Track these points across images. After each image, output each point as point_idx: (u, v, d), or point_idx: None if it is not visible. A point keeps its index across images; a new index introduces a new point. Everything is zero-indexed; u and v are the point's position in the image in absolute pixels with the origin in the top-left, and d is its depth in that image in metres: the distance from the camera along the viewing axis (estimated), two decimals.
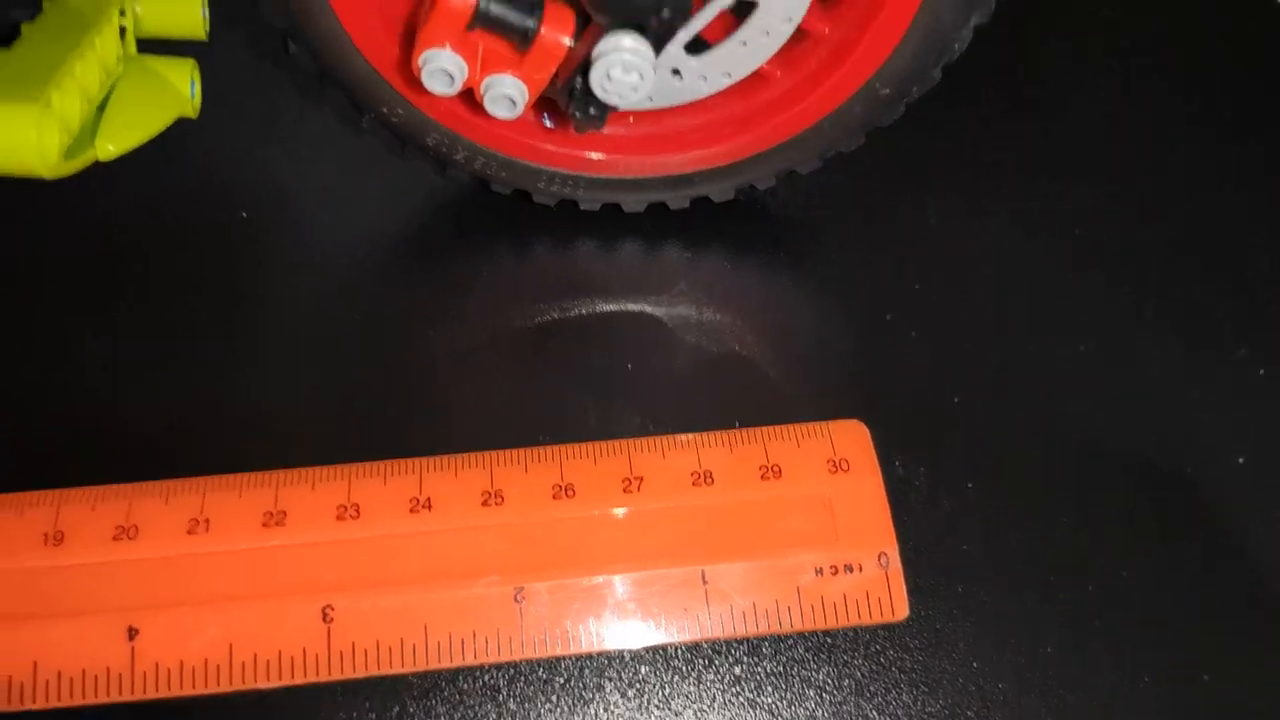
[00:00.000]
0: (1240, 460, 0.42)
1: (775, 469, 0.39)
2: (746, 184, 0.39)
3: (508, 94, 0.33)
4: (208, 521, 0.37)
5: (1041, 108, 0.51)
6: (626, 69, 0.30)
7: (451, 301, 0.44)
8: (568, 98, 0.32)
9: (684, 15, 0.30)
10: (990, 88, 0.50)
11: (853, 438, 0.39)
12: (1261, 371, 0.44)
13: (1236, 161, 0.51)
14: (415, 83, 0.34)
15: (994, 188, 0.48)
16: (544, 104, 0.37)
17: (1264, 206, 0.50)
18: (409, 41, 0.33)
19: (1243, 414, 0.43)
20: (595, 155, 0.38)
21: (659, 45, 0.30)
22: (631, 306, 0.45)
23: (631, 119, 0.38)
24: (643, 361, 0.43)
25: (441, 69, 0.32)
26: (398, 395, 0.42)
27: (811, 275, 0.45)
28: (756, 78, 0.36)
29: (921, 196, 0.47)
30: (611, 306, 0.45)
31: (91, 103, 0.30)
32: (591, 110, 0.32)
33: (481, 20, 0.31)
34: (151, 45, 0.39)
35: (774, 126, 0.38)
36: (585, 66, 0.32)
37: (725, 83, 0.35)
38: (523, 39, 0.33)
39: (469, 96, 0.34)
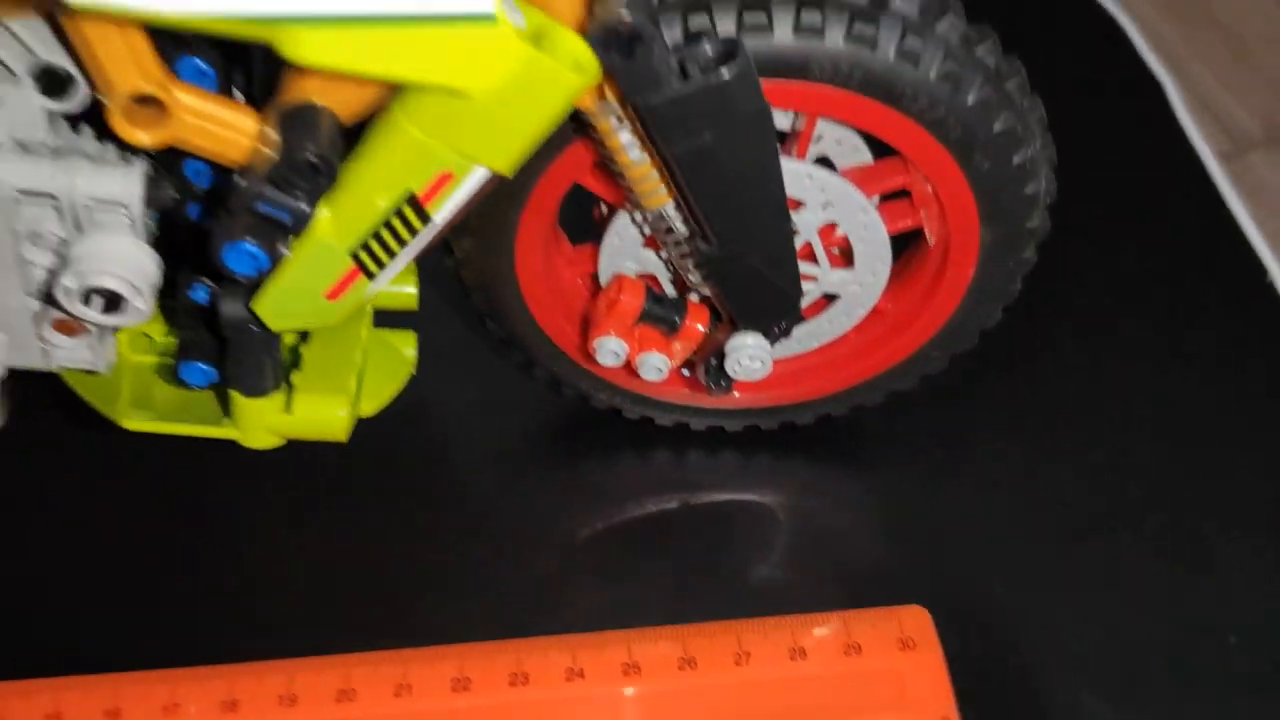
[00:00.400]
0: None
1: (856, 646, 0.49)
2: (824, 413, 0.50)
3: (656, 366, 0.43)
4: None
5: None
6: (752, 359, 0.41)
7: (547, 495, 0.52)
8: (704, 373, 0.43)
9: (796, 322, 0.41)
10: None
11: (917, 620, 0.49)
12: None
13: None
14: (586, 355, 0.45)
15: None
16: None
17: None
18: (584, 328, 0.44)
19: None
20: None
21: (777, 342, 0.41)
22: (717, 498, 0.55)
23: None
24: (730, 551, 0.53)
25: (611, 350, 0.43)
26: (508, 577, 0.50)
27: (878, 484, 0.53)
28: (835, 340, 0.47)
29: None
30: (701, 500, 0.55)
31: (360, 378, 0.41)
32: (723, 383, 0.42)
33: (643, 317, 0.42)
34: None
35: (848, 373, 0.48)
36: (719, 351, 0.42)
37: (814, 345, 0.46)
38: (670, 328, 0.43)
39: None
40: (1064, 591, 0.50)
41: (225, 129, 0.30)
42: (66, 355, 0.37)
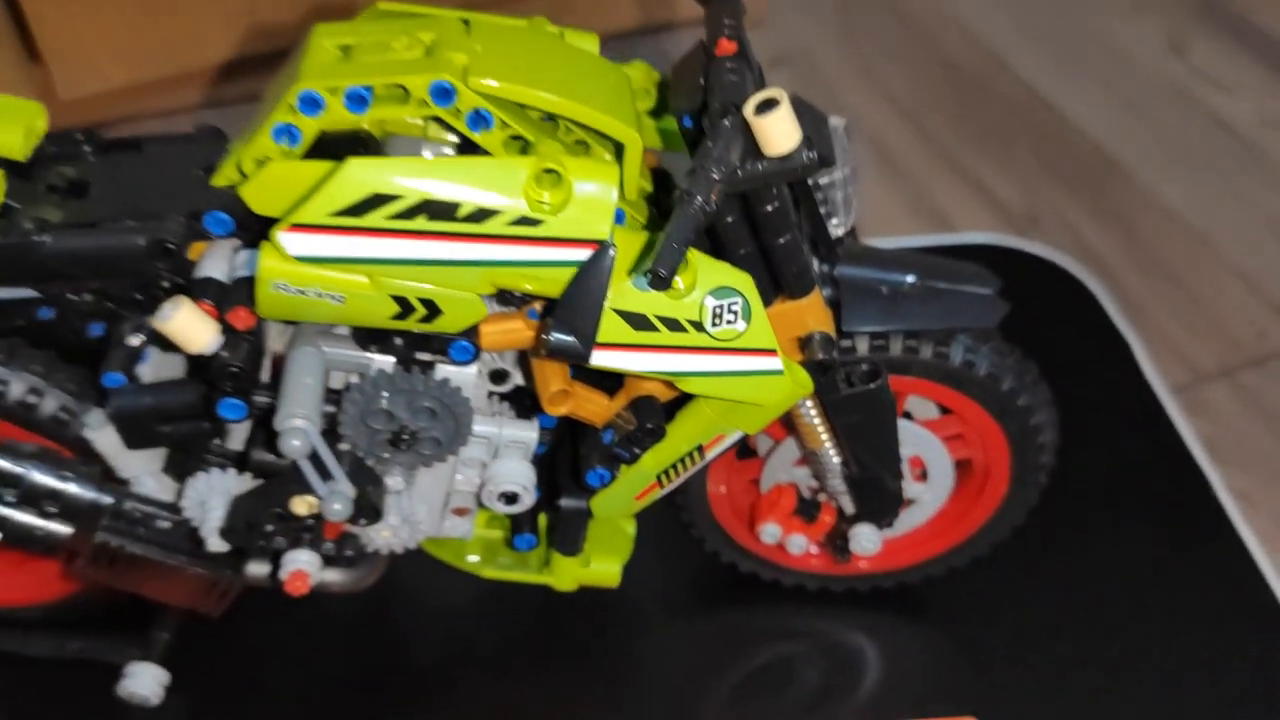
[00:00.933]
0: None
1: None
2: (901, 581, 0.71)
3: (800, 544, 0.66)
4: None
5: None
6: (869, 540, 0.63)
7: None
8: (833, 550, 0.65)
9: (895, 517, 0.64)
10: None
11: None
12: None
13: None
14: (747, 537, 0.67)
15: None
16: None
17: None
18: (749, 521, 0.66)
19: None
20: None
21: (882, 530, 0.64)
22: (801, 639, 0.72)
23: None
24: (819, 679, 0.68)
25: (771, 533, 0.65)
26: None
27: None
28: (914, 531, 0.69)
29: None
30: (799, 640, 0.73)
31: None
32: (845, 557, 0.65)
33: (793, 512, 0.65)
34: None
35: (920, 553, 0.70)
36: (843, 535, 0.65)
37: (899, 534, 0.68)
38: (809, 519, 0.66)
39: None
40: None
41: (600, 407, 0.53)
42: (451, 528, 0.59)
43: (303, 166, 0.45)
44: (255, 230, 0.48)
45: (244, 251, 0.49)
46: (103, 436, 0.53)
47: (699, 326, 0.47)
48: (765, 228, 0.48)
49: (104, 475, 0.54)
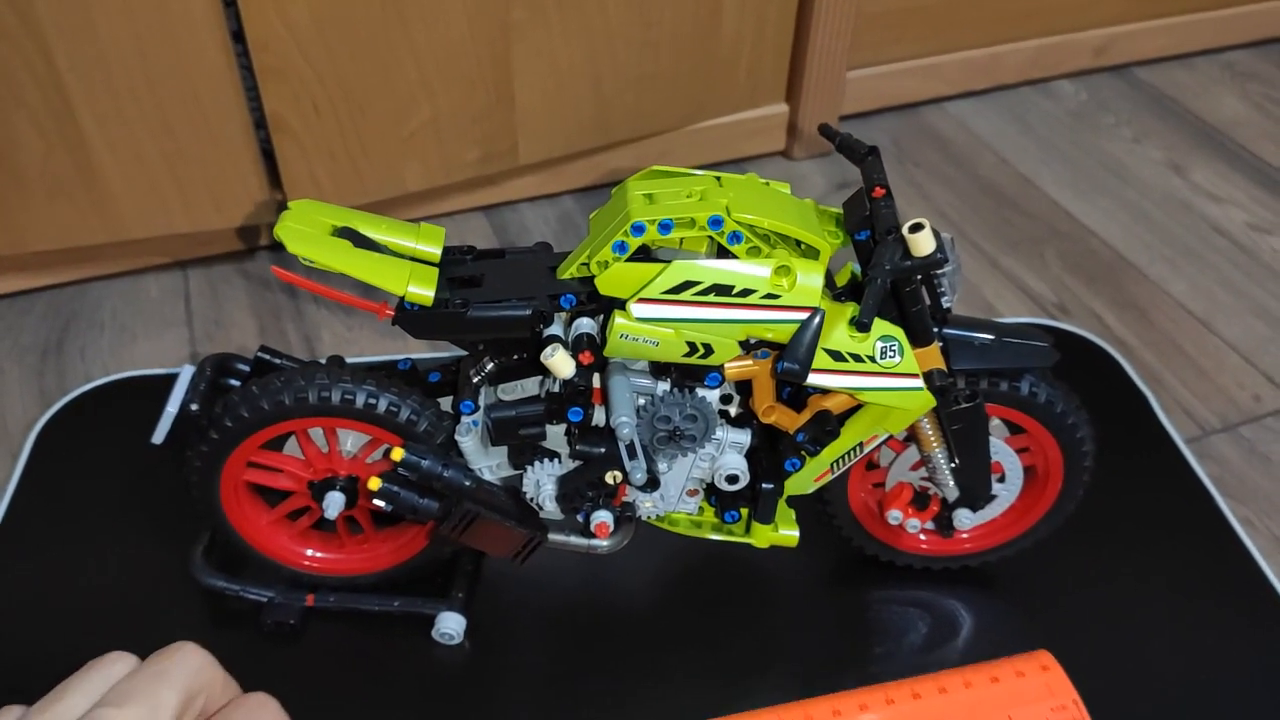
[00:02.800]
0: None
1: (996, 678, 0.80)
2: (982, 560, 0.97)
3: (915, 526, 0.92)
4: None
5: None
6: (966, 520, 0.89)
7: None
8: (941, 529, 0.92)
9: (986, 503, 0.91)
10: None
11: (1044, 659, 0.75)
12: None
13: None
14: (874, 524, 0.93)
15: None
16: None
17: None
18: (877, 512, 0.92)
19: None
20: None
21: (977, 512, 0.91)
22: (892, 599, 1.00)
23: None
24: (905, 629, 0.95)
25: (895, 517, 0.92)
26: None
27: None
28: (991, 522, 0.96)
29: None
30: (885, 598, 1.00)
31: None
32: (949, 533, 0.91)
33: (911, 502, 0.92)
34: None
35: (997, 539, 0.94)
36: (948, 518, 0.91)
37: (982, 523, 0.94)
38: (922, 507, 0.93)
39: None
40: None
41: (791, 419, 0.81)
42: (683, 505, 0.86)
43: (635, 267, 0.73)
44: (589, 307, 0.76)
45: (581, 319, 0.77)
46: (467, 440, 0.81)
47: (873, 359, 0.75)
48: (908, 301, 0.76)
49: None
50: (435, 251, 0.75)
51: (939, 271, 0.76)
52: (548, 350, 0.73)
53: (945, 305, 0.79)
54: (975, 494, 0.86)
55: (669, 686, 0.81)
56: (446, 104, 1.17)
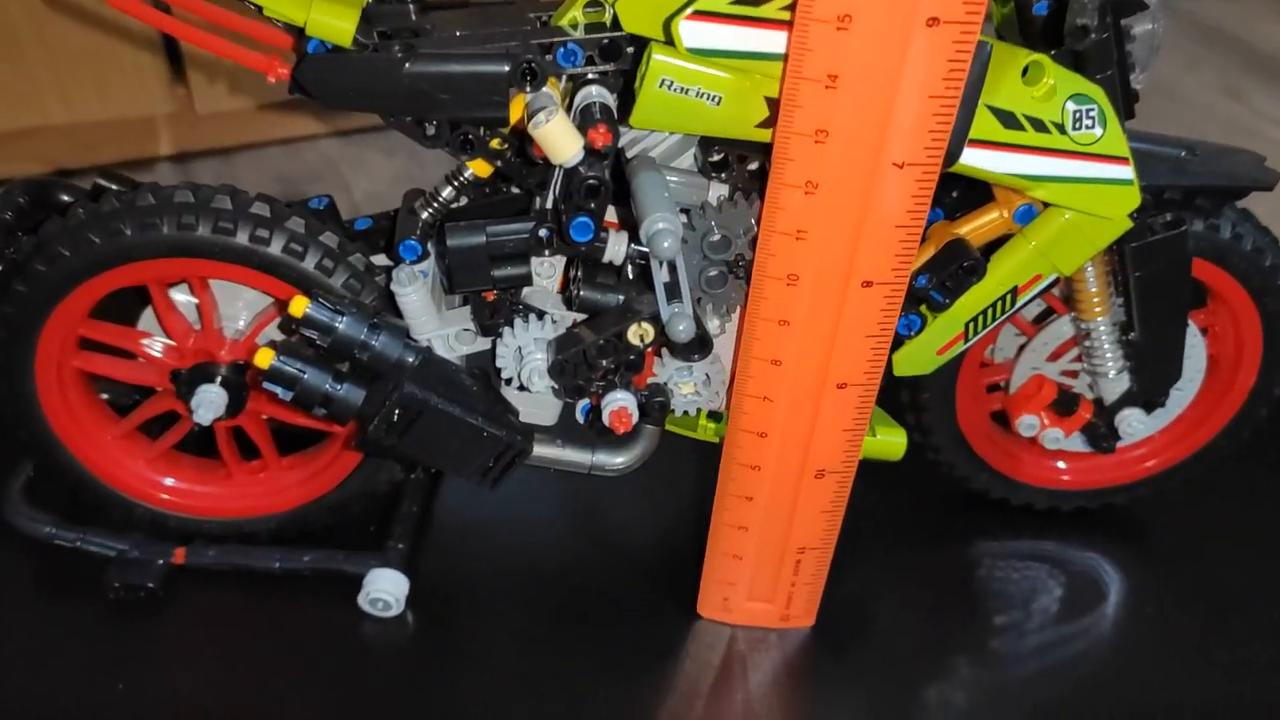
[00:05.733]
0: None
1: None
2: (1137, 495, 0.69)
3: (1055, 438, 0.65)
4: None
5: None
6: (1137, 423, 0.63)
7: None
8: (1095, 438, 0.65)
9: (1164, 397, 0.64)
10: None
11: None
12: None
13: None
14: (988, 448, 0.67)
15: None
16: None
17: None
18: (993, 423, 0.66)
19: None
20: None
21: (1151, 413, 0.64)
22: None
23: None
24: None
25: (1029, 424, 0.64)
26: None
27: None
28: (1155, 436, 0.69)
29: None
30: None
31: None
32: (1107, 445, 0.64)
33: (1052, 405, 0.64)
34: None
35: (1162, 461, 0.69)
36: (1110, 420, 0.64)
37: (1143, 435, 0.67)
38: (1065, 412, 0.66)
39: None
40: None
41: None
42: (723, 403, 0.58)
43: None
44: (604, 68, 0.49)
45: (592, 86, 0.49)
46: (411, 295, 0.53)
47: (1061, 128, 0.49)
48: (1095, 54, 0.50)
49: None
50: None
51: (1136, 29, 0.50)
52: (539, 116, 0.46)
53: (1136, 85, 0.52)
54: (1156, 381, 0.59)
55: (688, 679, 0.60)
56: None
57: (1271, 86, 1.36)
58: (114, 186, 0.56)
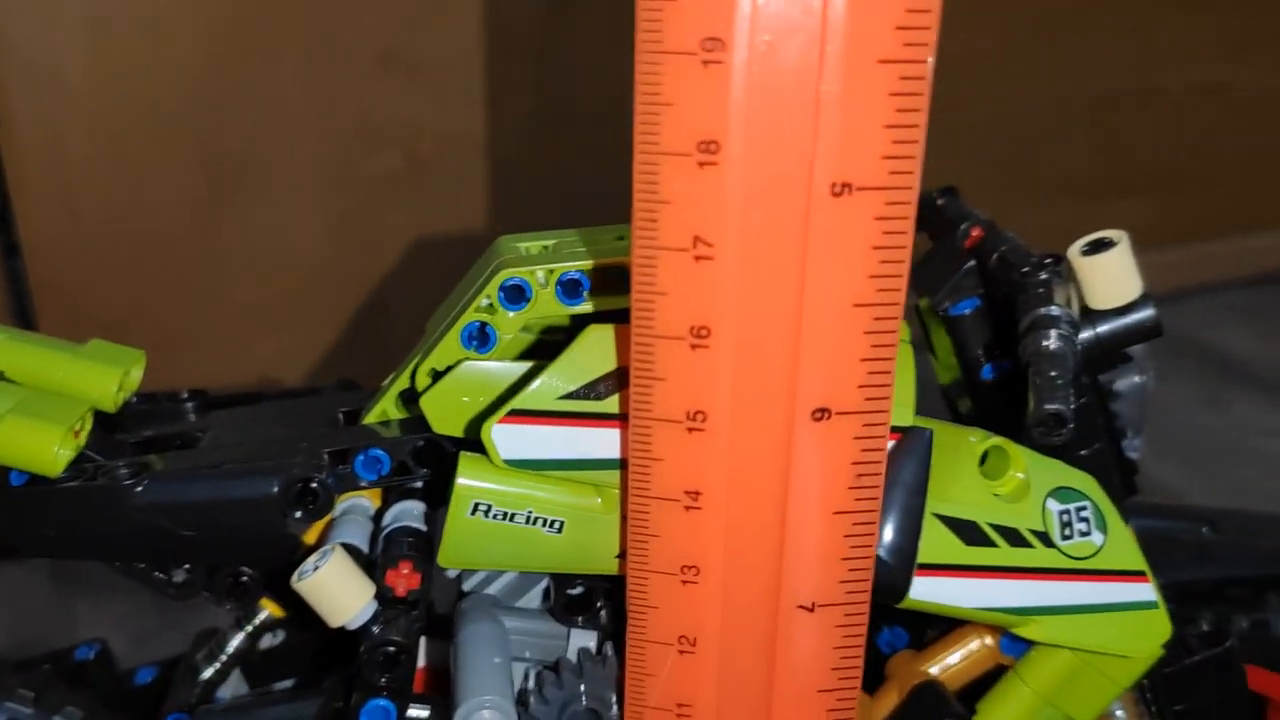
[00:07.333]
0: None
1: None
2: None
3: None
4: None
5: None
6: None
7: None
8: None
9: None
10: None
11: None
12: None
13: None
14: None
15: None
16: None
17: None
18: None
19: None
20: None
21: None
22: None
23: None
24: None
25: None
26: None
27: None
28: None
29: None
30: None
31: None
32: None
33: None
34: None
35: None
36: None
37: None
38: None
39: None
40: None
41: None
42: None
43: (500, 367, 0.34)
44: (415, 476, 0.36)
45: (405, 502, 0.36)
46: None
47: (1045, 539, 0.34)
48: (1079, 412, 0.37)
49: None
50: (107, 390, 0.35)
51: (1119, 383, 0.39)
52: (307, 563, 0.31)
53: (1131, 455, 0.40)
54: None
55: None
56: None
57: (1250, 393, 1.34)
58: None
